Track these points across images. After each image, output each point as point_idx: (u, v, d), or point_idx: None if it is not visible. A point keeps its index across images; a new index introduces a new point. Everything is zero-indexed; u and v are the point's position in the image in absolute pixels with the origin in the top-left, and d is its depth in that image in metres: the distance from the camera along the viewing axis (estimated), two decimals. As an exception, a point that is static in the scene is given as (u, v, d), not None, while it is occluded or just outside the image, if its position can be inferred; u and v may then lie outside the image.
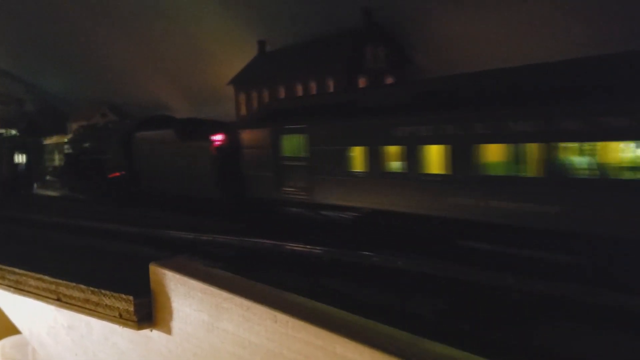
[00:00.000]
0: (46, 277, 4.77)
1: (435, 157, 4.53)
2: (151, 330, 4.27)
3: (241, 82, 12.26)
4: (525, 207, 3.96)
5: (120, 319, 4.21)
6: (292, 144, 5.98)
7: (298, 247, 4.76)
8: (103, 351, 5.14)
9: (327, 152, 5.56)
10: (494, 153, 4.19)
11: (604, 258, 3.64)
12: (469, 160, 4.23)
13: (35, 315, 6.52)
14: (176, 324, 4.03)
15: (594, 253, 3.68)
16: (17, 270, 5.05)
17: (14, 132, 15.72)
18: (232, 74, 12.57)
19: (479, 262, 3.92)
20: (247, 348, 3.35)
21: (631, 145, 3.50)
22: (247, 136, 6.66)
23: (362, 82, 9.39)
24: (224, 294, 3.53)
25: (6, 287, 5.22)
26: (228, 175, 6.92)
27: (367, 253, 4.36)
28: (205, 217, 6.98)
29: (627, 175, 3.51)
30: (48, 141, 13.62)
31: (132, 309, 4.12)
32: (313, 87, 10.07)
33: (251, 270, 4.05)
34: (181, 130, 8.04)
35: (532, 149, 3.90)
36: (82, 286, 4.47)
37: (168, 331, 4.11)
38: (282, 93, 10.88)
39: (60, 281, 4.64)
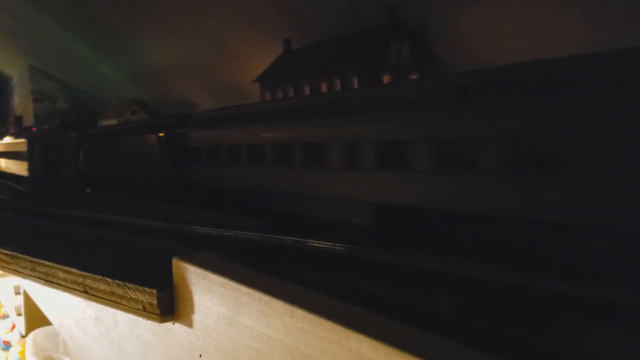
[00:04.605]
0: (74, 270, 4.88)
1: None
2: (173, 324, 4.34)
3: (266, 80, 12.32)
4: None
5: (144, 311, 4.28)
6: None
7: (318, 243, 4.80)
8: (128, 343, 5.26)
9: None
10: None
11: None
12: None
13: (65, 307, 6.70)
14: (197, 317, 4.08)
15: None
16: (46, 262, 5.19)
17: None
18: (257, 72, 12.65)
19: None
20: (265, 342, 3.38)
21: None
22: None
23: (385, 79, 9.37)
24: (243, 289, 3.55)
25: (36, 279, 5.37)
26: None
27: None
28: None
29: None
30: None
31: (155, 302, 4.19)
32: (337, 85, 10.07)
33: (271, 265, 4.11)
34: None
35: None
36: (108, 279, 4.56)
37: (190, 324, 4.17)
38: (306, 91, 10.92)
39: (87, 274, 4.75)
